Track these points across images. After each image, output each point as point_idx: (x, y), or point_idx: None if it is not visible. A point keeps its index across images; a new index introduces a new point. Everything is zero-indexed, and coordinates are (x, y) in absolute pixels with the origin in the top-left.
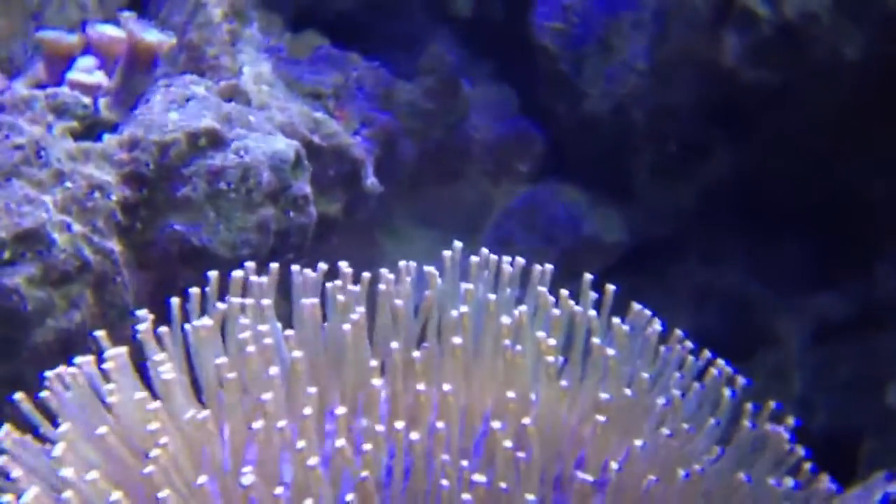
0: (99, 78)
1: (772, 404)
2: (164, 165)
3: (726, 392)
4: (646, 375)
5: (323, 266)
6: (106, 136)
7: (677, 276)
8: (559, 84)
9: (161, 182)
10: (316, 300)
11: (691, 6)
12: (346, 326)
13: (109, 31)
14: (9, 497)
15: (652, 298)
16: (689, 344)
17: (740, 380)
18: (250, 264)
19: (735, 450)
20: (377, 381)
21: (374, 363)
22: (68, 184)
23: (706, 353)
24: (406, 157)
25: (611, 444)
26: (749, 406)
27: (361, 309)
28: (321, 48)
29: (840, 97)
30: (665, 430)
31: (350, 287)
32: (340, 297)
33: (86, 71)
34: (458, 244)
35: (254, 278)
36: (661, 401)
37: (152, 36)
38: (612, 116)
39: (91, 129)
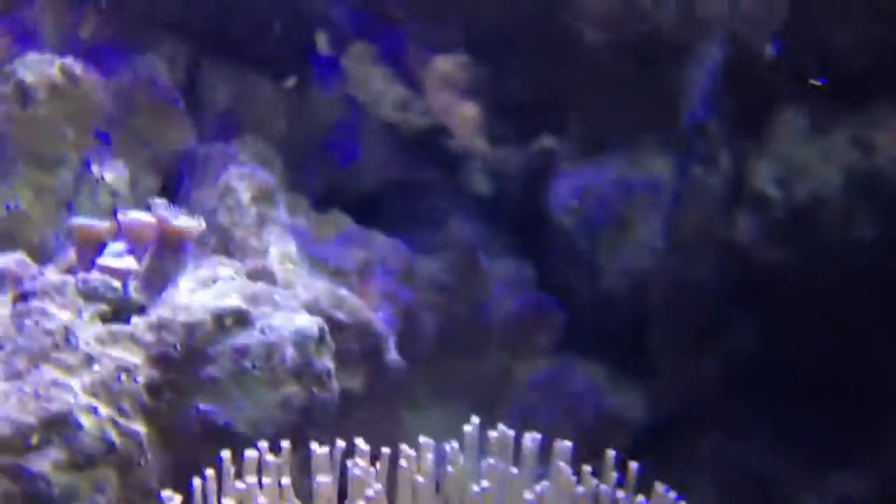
0: (129, 262)
1: None
2: (191, 346)
3: None
4: None
5: (341, 443)
6: (134, 319)
7: (699, 451)
8: (576, 261)
9: (187, 363)
10: (330, 479)
11: (706, 187)
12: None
13: (140, 217)
14: None
15: (674, 475)
16: None
17: None
18: (263, 444)
19: None
20: None
21: None
22: (96, 367)
23: None
24: (427, 332)
25: None
26: None
27: (378, 486)
28: (345, 227)
29: (854, 275)
30: None
31: (364, 464)
32: (357, 475)
33: (116, 256)
34: (475, 420)
35: (270, 457)
36: None
37: (182, 221)
38: (629, 293)
39: (120, 312)
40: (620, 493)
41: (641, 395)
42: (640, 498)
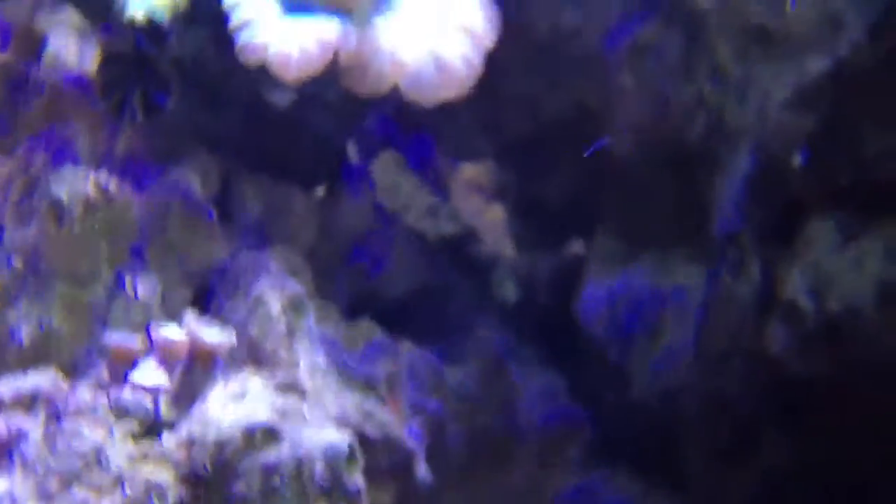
0: (160, 379)
1: None
2: (221, 463)
3: None
4: None
5: None
6: (165, 436)
7: None
8: (607, 370)
9: (217, 481)
10: None
11: (737, 297)
12: None
13: (172, 333)
14: None
15: None
16: None
17: None
18: None
19: None
20: None
21: None
22: (127, 488)
23: None
24: (455, 444)
25: None
26: None
27: None
28: (374, 337)
29: (891, 387)
30: None
31: None
32: None
33: (148, 372)
34: None
35: None
36: None
37: (213, 335)
38: (660, 403)
39: (151, 429)
40: None
41: None
42: None
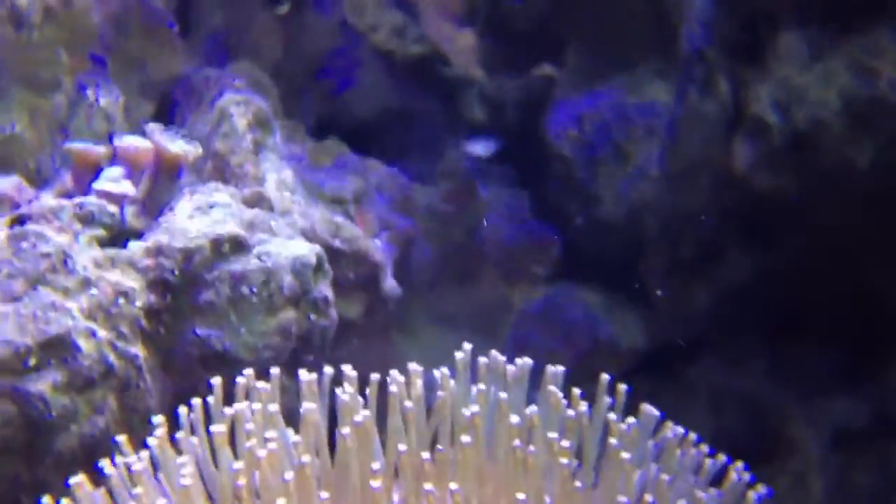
0: (125, 187)
1: None
2: (188, 272)
3: (751, 496)
4: (666, 478)
5: (329, 370)
6: (131, 244)
7: (695, 379)
8: (573, 189)
9: (185, 288)
10: (315, 405)
11: (704, 114)
12: (346, 430)
13: (136, 141)
14: None
15: (669, 402)
16: (704, 448)
17: (761, 487)
18: (249, 371)
19: None
20: (377, 484)
21: (376, 466)
22: (94, 291)
23: (722, 458)
24: (424, 261)
25: None
26: None
27: (366, 412)
28: (342, 155)
29: (853, 203)
30: None
31: (353, 390)
32: (345, 401)
33: (113, 181)
34: (467, 346)
35: (261, 384)
36: (681, 503)
37: (178, 146)
38: (626, 221)
39: (117, 238)
40: (611, 416)
41: (637, 323)
42: (629, 419)
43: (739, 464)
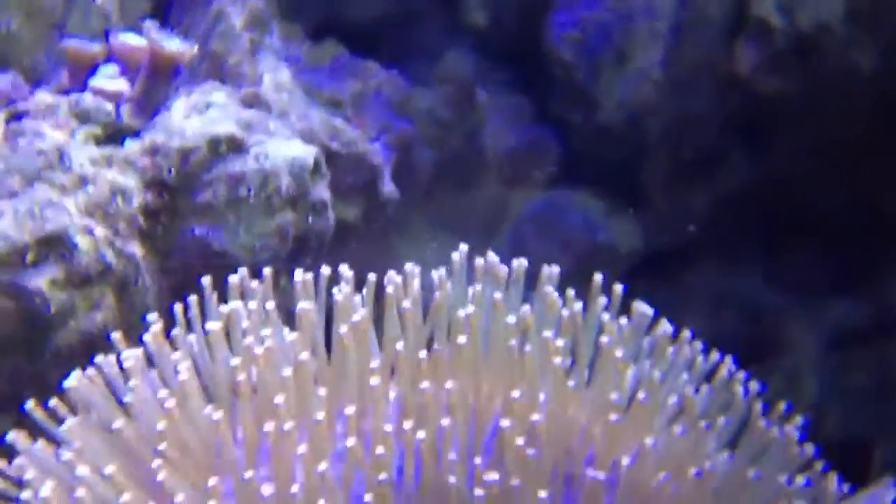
0: (121, 85)
1: (783, 405)
2: (186, 171)
3: (739, 390)
4: (657, 374)
5: (326, 270)
6: (128, 142)
7: (692, 283)
8: (574, 93)
9: (182, 188)
10: (311, 304)
11: (707, 17)
12: (344, 328)
13: (132, 39)
14: (27, 493)
15: (667, 305)
16: (698, 345)
17: (754, 383)
18: (243, 269)
19: (745, 448)
20: (375, 381)
21: (374, 364)
22: (91, 188)
23: (715, 355)
24: (423, 165)
25: (621, 442)
26: (759, 407)
27: (363, 311)
28: (340, 57)
29: (856, 107)
30: (677, 428)
31: (349, 290)
32: (341, 300)
33: (108, 78)
34: (464, 246)
35: (254, 283)
36: (672, 399)
37: (174, 45)
38: (627, 125)
39: (113, 136)
40: (605, 315)
41: (636, 227)
42: (623, 319)
43: (729, 360)
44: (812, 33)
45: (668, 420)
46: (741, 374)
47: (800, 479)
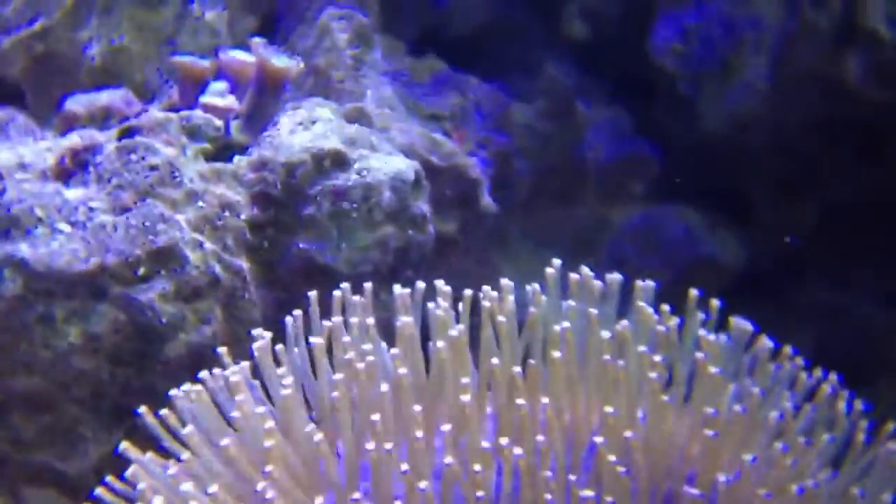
0: (230, 101)
1: (891, 425)
2: (291, 186)
3: (842, 407)
4: (757, 390)
5: (421, 285)
6: (236, 158)
7: (797, 298)
8: (677, 105)
9: (288, 202)
10: (410, 319)
11: (814, 26)
12: (441, 343)
13: (240, 56)
14: None
15: (772, 322)
16: (800, 361)
17: (858, 402)
18: (345, 285)
19: (849, 466)
20: (466, 398)
21: (465, 380)
22: (201, 203)
23: (819, 372)
24: (522, 178)
25: (721, 459)
26: (864, 425)
27: (461, 326)
28: (440, 71)
29: None
30: (779, 445)
31: (446, 305)
32: (439, 315)
33: (218, 95)
34: (557, 261)
35: (355, 298)
36: (773, 414)
37: (281, 61)
38: (730, 137)
39: (222, 151)
40: (702, 331)
41: (739, 241)
42: (722, 335)
43: (834, 376)
44: None
45: (769, 437)
46: (845, 392)
47: None
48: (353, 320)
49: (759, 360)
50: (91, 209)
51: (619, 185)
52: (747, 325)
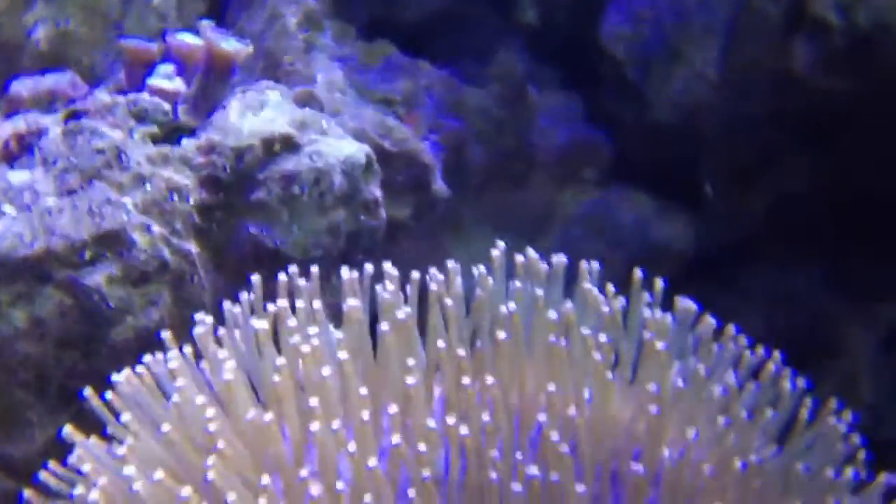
0: (178, 84)
1: (833, 402)
2: (240, 170)
3: (786, 386)
4: (702, 367)
5: (370, 268)
6: (184, 141)
7: (746, 283)
8: (626, 92)
9: (237, 186)
10: (357, 302)
11: (762, 15)
12: (386, 326)
13: (188, 39)
14: (81, 489)
15: (720, 305)
16: (743, 340)
17: (801, 380)
18: (293, 268)
19: (793, 442)
20: (411, 380)
21: (411, 361)
22: (148, 187)
23: (761, 350)
24: (474, 163)
25: (666, 436)
26: (808, 402)
27: (408, 309)
28: (392, 56)
29: None
30: (722, 420)
31: (394, 288)
32: (385, 298)
33: (166, 77)
34: (501, 244)
35: (301, 282)
36: (717, 390)
37: (230, 45)
38: (680, 125)
39: (170, 135)
40: (647, 311)
41: (689, 228)
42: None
43: (777, 355)
44: (870, 32)
45: (713, 414)
46: (788, 370)
47: (849, 472)
48: (300, 303)
49: (703, 340)
50: (36, 192)
51: (571, 171)
52: (692, 305)
